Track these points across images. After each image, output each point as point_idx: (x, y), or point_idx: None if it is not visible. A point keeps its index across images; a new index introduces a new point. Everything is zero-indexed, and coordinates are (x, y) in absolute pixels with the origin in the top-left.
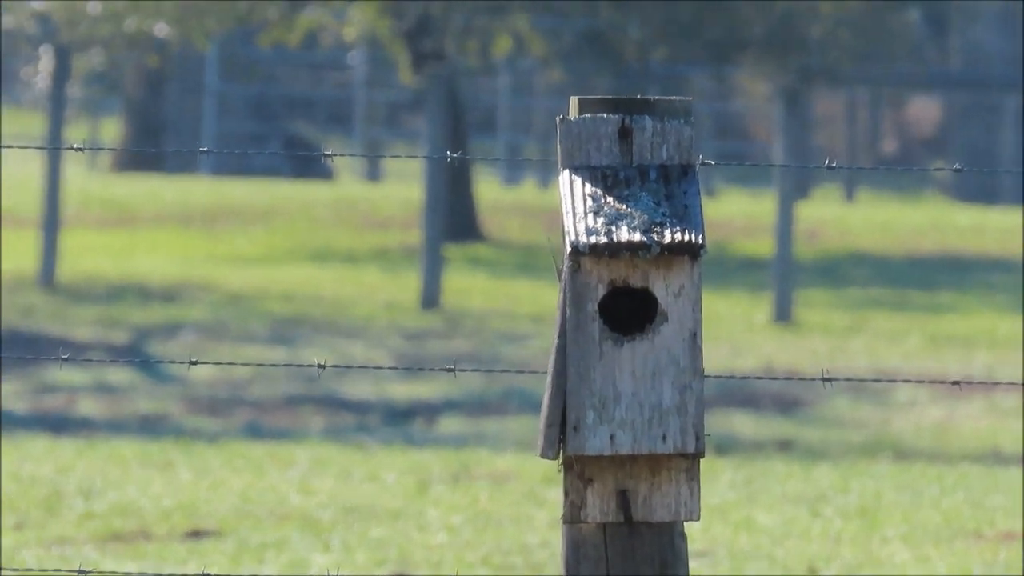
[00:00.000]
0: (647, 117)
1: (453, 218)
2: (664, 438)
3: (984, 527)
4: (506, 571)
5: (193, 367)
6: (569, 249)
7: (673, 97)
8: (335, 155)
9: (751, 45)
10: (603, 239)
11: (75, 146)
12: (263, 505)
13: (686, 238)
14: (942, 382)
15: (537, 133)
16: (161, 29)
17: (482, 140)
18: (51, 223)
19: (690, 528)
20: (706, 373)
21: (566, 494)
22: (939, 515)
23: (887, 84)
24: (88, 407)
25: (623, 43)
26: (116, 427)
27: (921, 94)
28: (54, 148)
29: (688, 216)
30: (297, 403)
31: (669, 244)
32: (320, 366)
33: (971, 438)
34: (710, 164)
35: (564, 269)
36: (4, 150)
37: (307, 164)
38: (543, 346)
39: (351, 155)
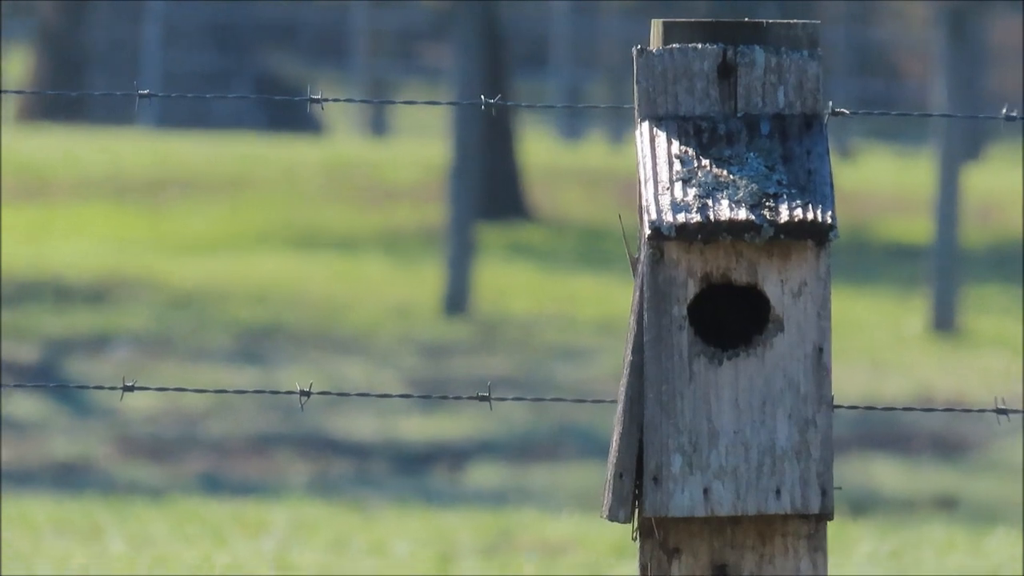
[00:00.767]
0: (758, 49)
1: (489, 188)
2: (778, 493)
3: None
4: None
5: (129, 394)
6: (649, 231)
7: (794, 20)
8: (325, 100)
9: None
10: (695, 217)
11: None
12: None
13: (810, 216)
14: None
15: (606, 71)
16: None
17: (530, 80)
18: None
19: None
20: (836, 402)
21: (643, 570)
22: None
23: None
24: None
25: None
26: (22, 479)
27: None
28: None
29: (813, 185)
30: (272, 445)
31: (787, 224)
32: (304, 394)
33: None
34: (844, 113)
35: (641, 259)
36: None
37: (287, 113)
38: (612, 366)
39: (348, 100)
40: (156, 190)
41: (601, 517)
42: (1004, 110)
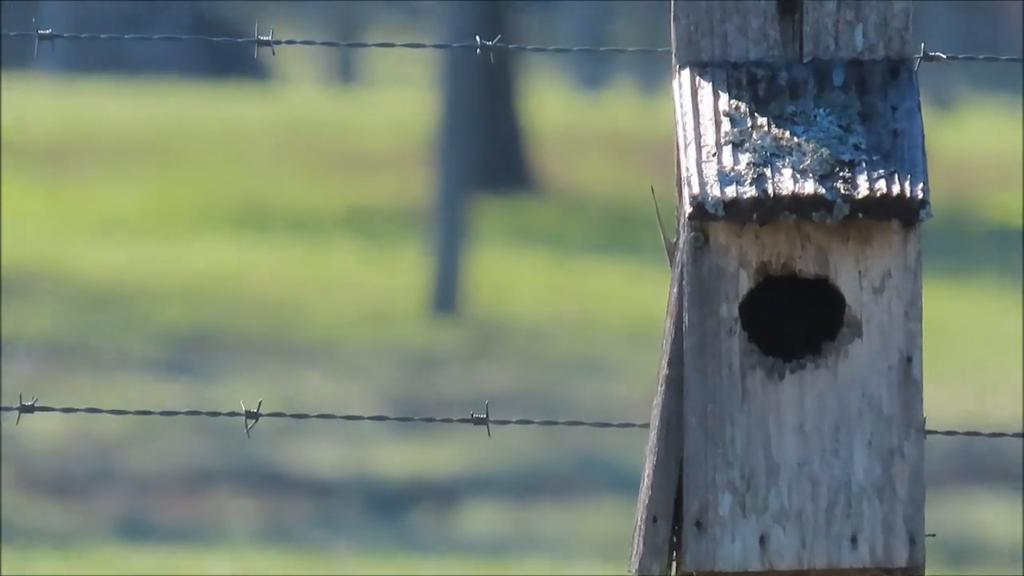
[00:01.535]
0: None
1: (487, 155)
2: (854, 541)
3: None
4: None
5: (28, 416)
6: (690, 209)
7: None
8: (277, 43)
9: None
10: (750, 191)
11: None
12: None
13: (896, 189)
14: None
15: (634, 5)
16: None
17: (539, 17)
18: None
19: None
20: (929, 427)
21: None
22: None
23: None
24: None
25: None
26: None
27: None
28: None
29: (899, 150)
30: (210, 480)
31: (866, 200)
32: (251, 415)
33: None
34: (940, 59)
35: (681, 245)
36: None
37: (228, 59)
38: (643, 381)
39: (306, 43)
40: (61, 157)
41: (630, 572)
42: None
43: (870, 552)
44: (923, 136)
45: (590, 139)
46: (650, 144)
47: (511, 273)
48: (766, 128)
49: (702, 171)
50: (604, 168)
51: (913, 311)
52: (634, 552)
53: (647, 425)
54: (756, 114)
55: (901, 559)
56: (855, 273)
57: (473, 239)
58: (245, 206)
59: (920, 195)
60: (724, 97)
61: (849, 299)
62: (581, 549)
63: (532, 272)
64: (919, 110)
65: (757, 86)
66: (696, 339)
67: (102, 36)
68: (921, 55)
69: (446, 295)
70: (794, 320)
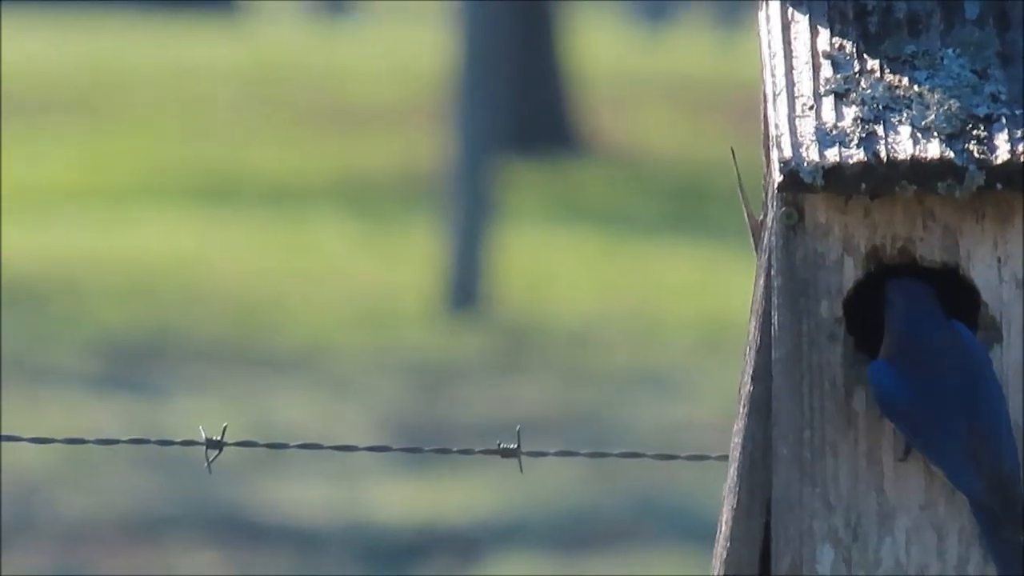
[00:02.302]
0: None
1: (519, 107)
2: None
3: None
4: None
5: None
6: (780, 177)
7: None
8: None
9: None
10: (857, 154)
11: None
12: None
13: None
14: None
15: None
16: None
17: None
18: None
19: None
20: None
21: None
22: None
23: None
24: None
25: None
26: None
27: None
28: None
29: None
30: (163, 525)
31: (1006, 166)
32: (214, 444)
33: None
34: None
35: (769, 223)
36: None
37: None
38: (719, 400)
39: None
40: None
41: None
42: None
43: None
44: None
45: (651, 88)
46: (728, 95)
47: (550, 260)
48: (878, 74)
49: (796, 129)
50: (669, 125)
51: None
52: None
53: (725, 458)
54: (866, 56)
55: None
56: (993, 261)
57: (501, 216)
58: (205, 174)
59: None
60: (824, 34)
61: (985, 294)
62: None
63: (577, 259)
64: None
65: (867, 20)
66: (788, 346)
67: None
68: None
69: (466, 289)
70: None
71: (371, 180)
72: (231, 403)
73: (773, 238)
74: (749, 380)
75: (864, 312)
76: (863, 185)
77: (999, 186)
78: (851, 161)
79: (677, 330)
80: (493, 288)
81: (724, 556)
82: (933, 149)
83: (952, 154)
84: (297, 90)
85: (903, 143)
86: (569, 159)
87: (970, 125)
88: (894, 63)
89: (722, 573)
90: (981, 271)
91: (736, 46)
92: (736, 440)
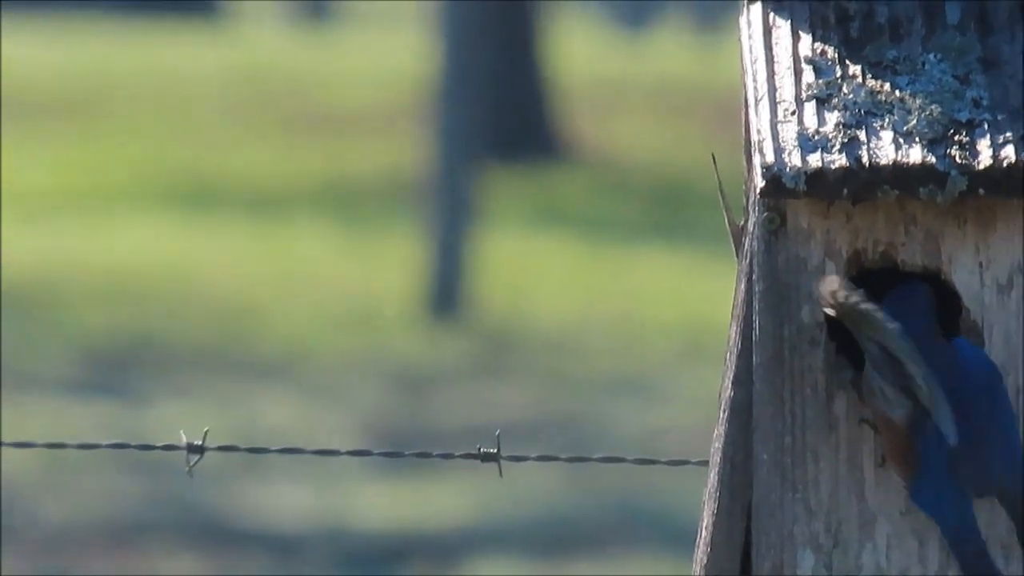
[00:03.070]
0: None
1: (500, 113)
2: None
3: None
4: None
5: None
6: (762, 182)
7: None
8: None
9: None
10: (839, 159)
11: None
12: None
13: None
14: None
15: None
16: None
17: None
18: None
19: None
20: None
21: None
22: None
23: None
24: None
25: None
26: None
27: None
28: None
29: None
30: (144, 531)
31: (989, 172)
32: (195, 449)
33: None
34: None
35: (750, 228)
36: None
37: None
38: (699, 405)
39: None
40: None
41: None
42: None
43: None
44: None
45: (632, 93)
46: (709, 100)
47: (530, 265)
48: (860, 79)
49: (777, 134)
50: (650, 130)
51: None
52: None
53: (706, 463)
54: (847, 61)
55: None
56: (974, 266)
57: (482, 221)
58: (189, 179)
59: None
60: (806, 39)
61: (967, 299)
62: None
63: (558, 264)
64: None
65: (849, 24)
66: (770, 351)
67: None
68: None
69: (447, 294)
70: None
71: (353, 185)
72: (213, 408)
73: (754, 243)
74: (730, 385)
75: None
76: (845, 190)
77: (981, 191)
78: (833, 166)
79: (658, 335)
80: (474, 293)
81: (704, 561)
82: (915, 154)
83: (934, 159)
84: (280, 95)
85: (885, 148)
86: (550, 164)
87: (952, 130)
88: (876, 68)
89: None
90: (963, 276)
91: (717, 51)
92: (717, 445)
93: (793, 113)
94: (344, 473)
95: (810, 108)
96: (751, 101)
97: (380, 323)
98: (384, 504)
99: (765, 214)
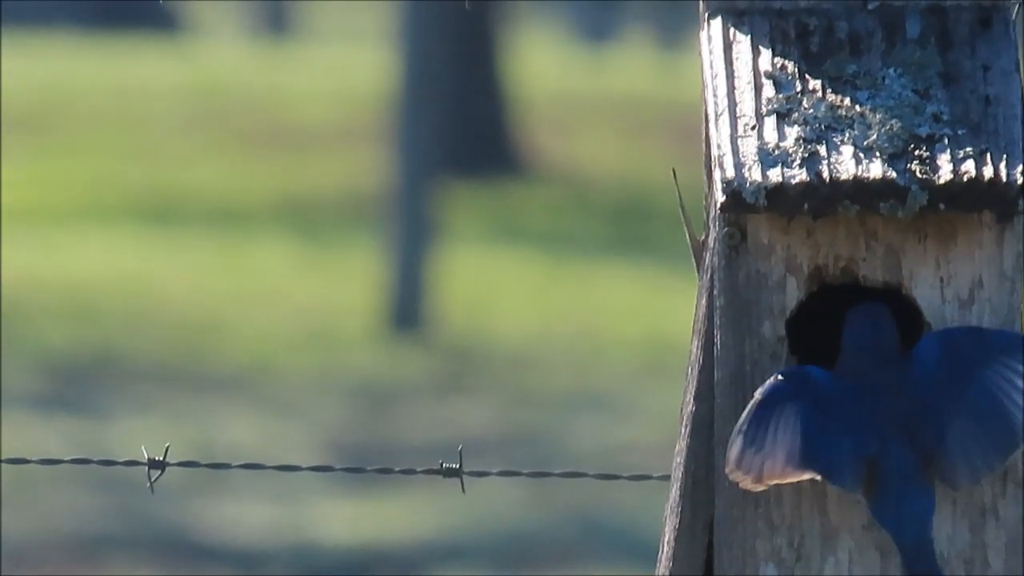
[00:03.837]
0: None
1: (460, 129)
2: None
3: None
4: None
5: None
6: (723, 198)
7: None
8: None
9: None
10: (799, 174)
11: None
12: None
13: (988, 172)
14: None
15: None
16: None
17: None
18: None
19: None
20: None
21: None
22: None
23: None
24: None
25: None
26: None
27: None
28: None
29: (992, 122)
30: (104, 548)
31: (950, 186)
32: (156, 465)
33: None
34: None
35: (711, 243)
36: None
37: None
38: (662, 420)
39: None
40: None
41: None
42: None
43: None
44: (1022, 104)
45: (593, 108)
46: (670, 115)
47: (492, 281)
48: (820, 94)
49: (738, 149)
50: (610, 145)
51: (1011, 329)
52: None
53: (667, 478)
54: (807, 76)
55: None
56: (935, 281)
57: (443, 237)
58: (148, 195)
59: (1019, 180)
60: (766, 54)
61: (928, 314)
62: None
63: (519, 280)
64: (1018, 71)
65: (809, 39)
66: (731, 367)
67: None
68: (1021, 1)
69: (408, 309)
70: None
71: (313, 201)
72: (174, 423)
73: (715, 258)
74: (691, 400)
75: (807, 332)
76: (806, 205)
77: (941, 206)
78: (793, 181)
79: (619, 351)
80: (435, 309)
81: (667, 575)
82: (875, 169)
83: (894, 174)
84: (240, 111)
85: (846, 163)
86: (510, 180)
87: (912, 145)
88: (836, 83)
89: None
90: (923, 291)
91: (677, 66)
92: (678, 460)
93: (753, 128)
94: (306, 488)
95: (770, 123)
96: (711, 116)
97: (341, 339)
98: (346, 519)
99: (726, 229)
